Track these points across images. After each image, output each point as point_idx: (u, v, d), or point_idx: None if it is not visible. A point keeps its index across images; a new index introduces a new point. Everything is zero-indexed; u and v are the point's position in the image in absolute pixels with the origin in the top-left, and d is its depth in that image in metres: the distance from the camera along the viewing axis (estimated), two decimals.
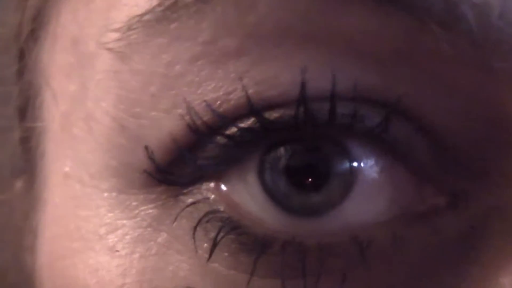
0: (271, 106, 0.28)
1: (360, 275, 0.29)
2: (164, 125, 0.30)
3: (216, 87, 0.29)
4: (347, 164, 0.29)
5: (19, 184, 0.42)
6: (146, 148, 0.30)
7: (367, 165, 0.29)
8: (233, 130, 0.29)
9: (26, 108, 0.37)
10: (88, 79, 0.32)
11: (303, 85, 0.28)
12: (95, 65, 0.32)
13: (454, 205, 0.29)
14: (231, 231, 0.29)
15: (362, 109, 0.28)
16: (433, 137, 0.28)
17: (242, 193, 0.30)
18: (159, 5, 0.29)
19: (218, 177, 0.30)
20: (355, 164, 0.29)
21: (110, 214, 0.32)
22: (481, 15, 0.26)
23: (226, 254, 0.30)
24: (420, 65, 0.27)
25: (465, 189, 0.29)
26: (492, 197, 0.28)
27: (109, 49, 0.30)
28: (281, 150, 0.29)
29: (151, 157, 0.30)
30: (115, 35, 0.30)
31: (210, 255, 0.30)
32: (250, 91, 0.28)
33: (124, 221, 0.31)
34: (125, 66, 0.30)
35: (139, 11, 0.29)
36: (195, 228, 0.30)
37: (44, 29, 0.36)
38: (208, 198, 0.30)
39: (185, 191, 0.30)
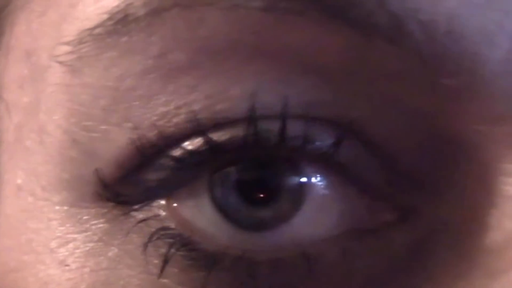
0: (220, 124, 0.29)
1: None
2: (114, 139, 0.30)
3: (166, 101, 0.29)
4: (297, 180, 0.29)
5: None
6: (97, 170, 0.30)
7: (317, 181, 0.29)
8: (179, 152, 0.29)
9: None
10: (41, 92, 0.32)
11: (252, 96, 0.28)
12: (47, 78, 0.31)
13: (404, 219, 0.29)
14: (181, 247, 0.29)
15: (313, 129, 0.28)
16: (382, 154, 0.29)
17: (193, 210, 0.30)
18: (109, 19, 0.29)
19: (168, 195, 0.30)
20: (305, 179, 0.29)
21: (61, 228, 0.32)
22: (427, 32, 0.26)
23: (176, 270, 0.29)
24: (369, 81, 0.28)
25: (414, 204, 0.29)
26: (441, 212, 0.29)
27: (61, 62, 0.30)
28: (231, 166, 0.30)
29: (99, 176, 0.30)
30: (66, 48, 0.30)
31: (161, 271, 0.30)
32: (199, 106, 0.28)
33: (75, 235, 0.31)
34: (76, 79, 0.30)
35: (90, 24, 0.29)
36: (145, 244, 0.30)
37: None
38: (158, 215, 0.30)
39: (136, 207, 0.30)
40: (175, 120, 0.29)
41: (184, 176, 0.30)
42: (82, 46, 0.30)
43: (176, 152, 0.29)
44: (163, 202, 0.30)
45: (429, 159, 0.28)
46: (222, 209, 0.30)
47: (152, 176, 0.30)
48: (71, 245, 0.31)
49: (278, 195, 0.29)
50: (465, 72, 0.26)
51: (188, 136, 0.29)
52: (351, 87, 0.28)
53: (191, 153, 0.29)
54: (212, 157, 0.29)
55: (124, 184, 0.30)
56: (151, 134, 0.29)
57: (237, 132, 0.28)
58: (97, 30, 0.29)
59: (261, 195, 0.30)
